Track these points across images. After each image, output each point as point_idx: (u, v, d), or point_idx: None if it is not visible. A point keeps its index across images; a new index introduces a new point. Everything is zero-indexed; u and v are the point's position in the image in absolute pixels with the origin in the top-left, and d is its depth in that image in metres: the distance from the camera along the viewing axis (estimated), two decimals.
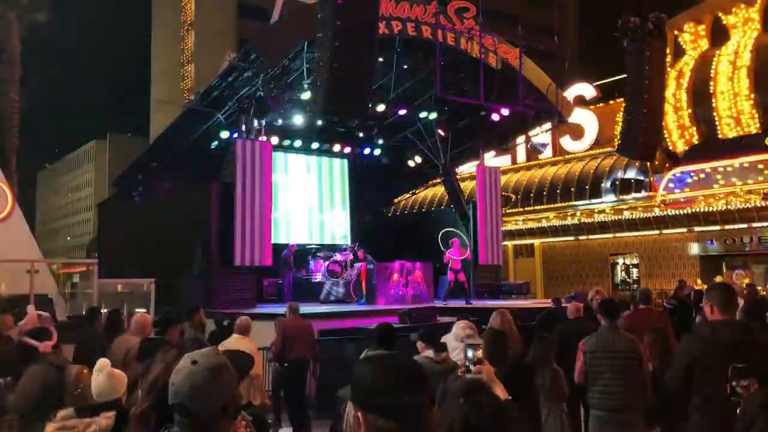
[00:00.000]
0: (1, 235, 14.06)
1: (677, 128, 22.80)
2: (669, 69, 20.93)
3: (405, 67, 17.02)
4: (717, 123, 21.88)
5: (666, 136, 22.41)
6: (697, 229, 22.60)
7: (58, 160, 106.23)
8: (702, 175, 21.58)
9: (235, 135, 16.05)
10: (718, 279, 20.44)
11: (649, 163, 21.50)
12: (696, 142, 22.48)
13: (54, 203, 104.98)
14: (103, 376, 3.43)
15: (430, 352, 5.11)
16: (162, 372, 2.52)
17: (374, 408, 1.59)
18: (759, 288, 21.20)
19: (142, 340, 5.46)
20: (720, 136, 21.88)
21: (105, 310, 9.29)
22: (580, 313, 7.90)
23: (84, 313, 9.33)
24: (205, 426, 1.95)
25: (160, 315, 6.01)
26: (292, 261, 17.78)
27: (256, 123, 15.99)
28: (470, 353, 2.74)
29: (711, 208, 21.73)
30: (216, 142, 17.22)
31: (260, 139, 16.15)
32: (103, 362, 3.52)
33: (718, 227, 21.98)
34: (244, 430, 2.35)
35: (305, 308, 14.78)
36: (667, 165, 22.91)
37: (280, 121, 16.62)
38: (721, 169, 21.15)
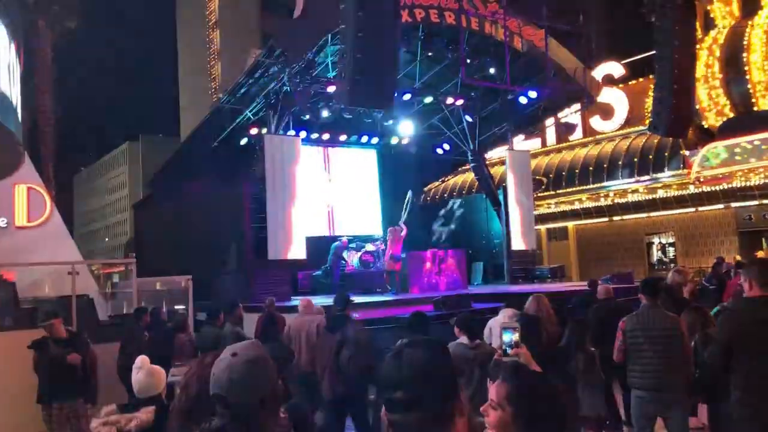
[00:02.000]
0: (41, 238, 14.38)
1: (710, 103, 22.27)
2: (699, 42, 20.43)
3: (429, 54, 16.92)
4: (751, 95, 21.32)
5: (698, 111, 21.92)
6: (734, 204, 22.10)
7: (93, 164, 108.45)
8: (737, 150, 21.07)
9: (264, 130, 16.18)
10: (760, 254, 19.98)
11: (682, 140, 21.04)
12: (730, 116, 21.94)
13: (91, 205, 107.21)
14: (143, 373, 3.51)
15: (464, 338, 5.16)
16: (199, 368, 2.56)
17: (386, 404, 1.54)
18: None
19: (328, 316, 7.15)
20: (755, 108, 21.32)
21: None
22: (610, 294, 7.92)
23: (132, 311, 9.75)
24: (244, 417, 1.99)
25: (340, 296, 7.15)
26: (342, 254, 18.05)
27: (284, 118, 16.10)
28: (507, 337, 2.73)
29: (748, 183, 21.24)
30: (245, 139, 17.37)
31: (289, 133, 16.26)
32: (142, 359, 3.60)
33: (756, 202, 21.48)
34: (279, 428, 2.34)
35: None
36: (701, 141, 22.41)
37: (307, 115, 16.69)
38: (757, 143, 20.63)
